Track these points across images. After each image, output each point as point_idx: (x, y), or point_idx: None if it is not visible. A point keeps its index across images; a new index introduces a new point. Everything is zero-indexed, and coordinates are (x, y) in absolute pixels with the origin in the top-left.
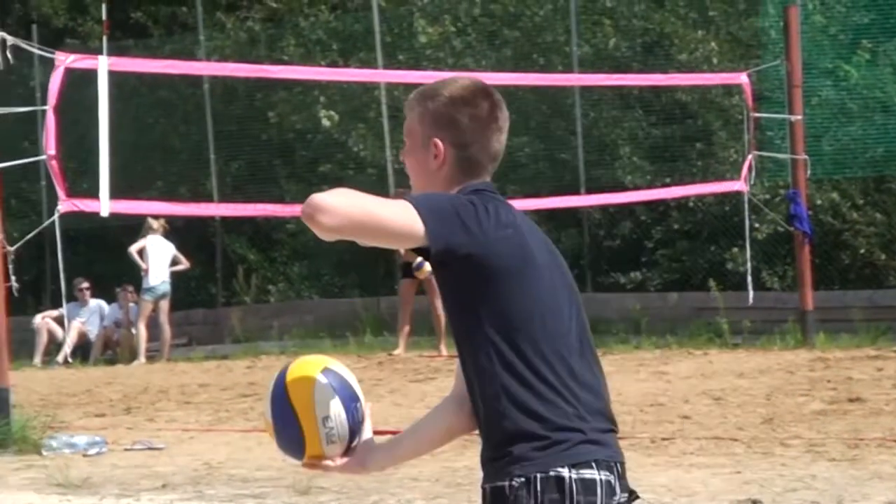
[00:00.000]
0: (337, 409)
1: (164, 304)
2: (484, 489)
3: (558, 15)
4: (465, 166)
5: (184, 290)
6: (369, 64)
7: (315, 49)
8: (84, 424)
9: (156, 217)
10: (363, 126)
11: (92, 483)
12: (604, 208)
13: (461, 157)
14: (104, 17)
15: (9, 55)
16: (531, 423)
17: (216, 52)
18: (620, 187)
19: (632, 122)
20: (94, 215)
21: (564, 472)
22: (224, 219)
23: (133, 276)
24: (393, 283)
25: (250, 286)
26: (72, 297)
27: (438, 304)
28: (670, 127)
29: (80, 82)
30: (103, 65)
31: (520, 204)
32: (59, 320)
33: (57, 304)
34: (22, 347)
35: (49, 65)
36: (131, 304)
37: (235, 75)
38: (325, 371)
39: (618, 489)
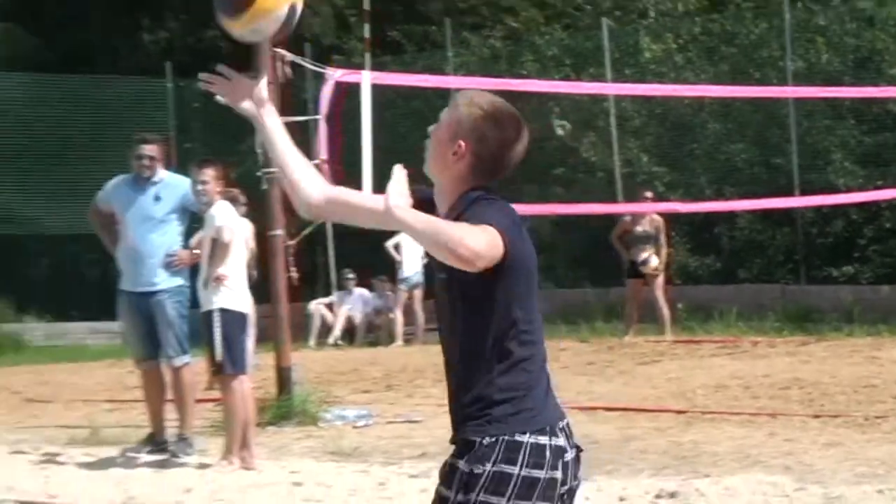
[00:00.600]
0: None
1: (418, 293)
2: (461, 439)
3: (773, 33)
4: (476, 172)
5: (435, 280)
6: (599, 78)
7: (550, 64)
8: (353, 399)
9: None
10: (593, 134)
11: (361, 452)
12: (817, 209)
13: (476, 164)
14: (366, 35)
15: (287, 70)
16: (507, 394)
17: (462, 67)
18: (833, 189)
19: (843, 130)
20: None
21: (524, 437)
22: None
23: (390, 268)
24: (621, 275)
25: None
26: (340, 287)
27: (661, 295)
28: (882, 135)
29: (346, 94)
30: (366, 79)
31: (737, 205)
32: (330, 307)
33: (327, 293)
34: (299, 331)
35: (320, 79)
36: (389, 293)
37: (480, 87)
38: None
39: (568, 448)
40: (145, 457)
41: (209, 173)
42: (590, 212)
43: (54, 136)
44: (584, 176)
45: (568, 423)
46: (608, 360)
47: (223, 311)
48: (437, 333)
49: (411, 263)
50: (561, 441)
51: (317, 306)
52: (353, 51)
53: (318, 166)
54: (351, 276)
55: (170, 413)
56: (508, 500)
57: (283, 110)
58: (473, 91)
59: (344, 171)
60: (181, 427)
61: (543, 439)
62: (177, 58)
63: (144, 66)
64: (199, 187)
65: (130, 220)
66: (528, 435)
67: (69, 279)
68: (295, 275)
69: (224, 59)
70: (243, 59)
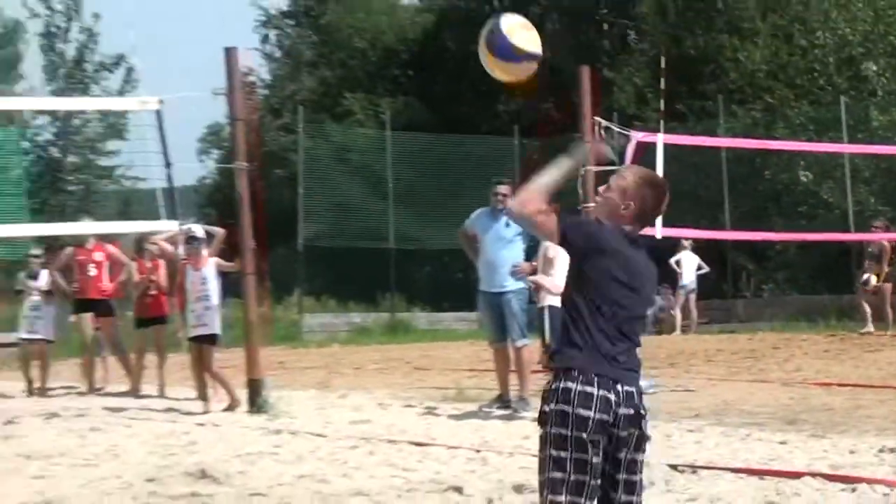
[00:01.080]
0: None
1: (692, 296)
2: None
3: None
4: (633, 220)
5: (705, 286)
6: (836, 140)
7: (798, 130)
8: (643, 372)
9: (687, 238)
10: (831, 182)
11: (650, 412)
12: None
13: (637, 215)
14: (661, 108)
15: (602, 132)
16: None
17: (730, 132)
18: None
19: None
20: (652, 237)
21: (572, 385)
22: (734, 240)
23: (669, 277)
24: (851, 284)
25: (750, 285)
26: None
27: (888, 301)
28: None
29: (644, 151)
30: (660, 140)
31: None
32: None
33: None
34: None
35: (625, 138)
36: (670, 296)
37: (743, 147)
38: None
39: (615, 402)
40: (495, 411)
41: None
42: (827, 239)
43: (435, 179)
44: (823, 212)
45: (628, 391)
46: (840, 349)
47: (551, 307)
48: (705, 326)
49: (688, 274)
50: (612, 396)
51: None
52: (650, 118)
53: None
54: None
55: (513, 380)
56: (574, 408)
57: (599, 161)
58: (636, 166)
59: None
60: (521, 391)
61: (590, 388)
62: (521, 122)
63: (498, 128)
64: None
65: (487, 240)
66: (579, 384)
67: (443, 281)
68: None
69: (558, 124)
70: (570, 123)
